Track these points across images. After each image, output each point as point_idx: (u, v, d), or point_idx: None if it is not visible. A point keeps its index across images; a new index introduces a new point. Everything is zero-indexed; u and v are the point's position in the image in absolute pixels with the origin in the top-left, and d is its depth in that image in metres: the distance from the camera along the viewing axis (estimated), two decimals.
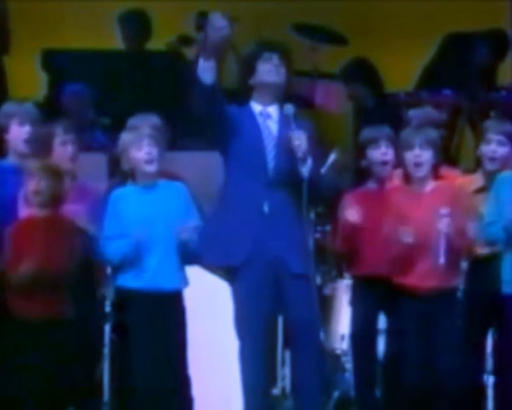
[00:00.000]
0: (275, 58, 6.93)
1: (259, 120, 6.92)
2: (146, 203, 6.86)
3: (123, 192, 6.79)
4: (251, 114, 6.93)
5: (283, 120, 6.83)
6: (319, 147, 7.04)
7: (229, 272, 6.89)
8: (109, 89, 8.99)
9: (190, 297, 6.96)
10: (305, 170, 6.70)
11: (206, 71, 6.67)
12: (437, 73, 10.23)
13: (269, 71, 6.90)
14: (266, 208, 6.78)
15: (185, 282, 6.77)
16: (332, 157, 7.97)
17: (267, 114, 6.89)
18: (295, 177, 6.72)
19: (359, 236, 7.32)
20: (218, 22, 6.62)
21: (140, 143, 6.74)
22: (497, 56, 10.32)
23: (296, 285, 6.86)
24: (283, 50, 7.06)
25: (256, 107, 6.87)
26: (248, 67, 6.97)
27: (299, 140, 6.62)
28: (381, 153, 7.05)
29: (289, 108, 6.71)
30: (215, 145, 7.23)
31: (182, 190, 6.84)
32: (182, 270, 6.84)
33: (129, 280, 6.79)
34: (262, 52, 6.97)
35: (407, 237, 6.84)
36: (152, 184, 6.75)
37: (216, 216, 6.89)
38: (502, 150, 7.08)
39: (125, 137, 6.90)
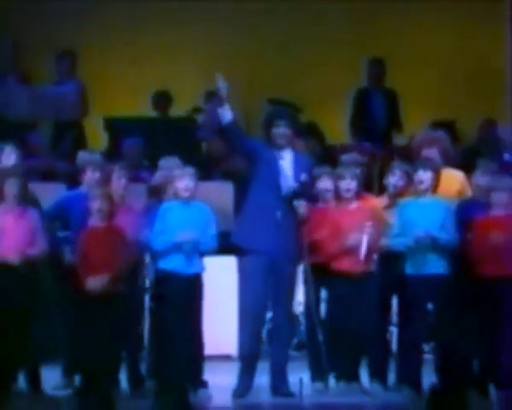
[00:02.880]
0: (282, 125, 6.74)
1: (277, 157, 6.78)
2: (182, 214, 6.77)
3: (169, 205, 6.82)
4: (275, 156, 6.74)
5: (295, 164, 6.76)
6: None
7: (249, 252, 6.71)
8: (147, 142, 9.07)
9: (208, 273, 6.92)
10: (302, 209, 6.74)
11: (224, 113, 6.67)
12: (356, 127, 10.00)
13: (278, 136, 6.73)
14: (278, 215, 6.67)
15: (202, 268, 6.81)
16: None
17: (281, 158, 6.74)
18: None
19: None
20: (221, 84, 6.73)
21: (182, 178, 6.77)
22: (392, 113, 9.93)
23: (285, 269, 6.72)
24: (289, 116, 6.85)
25: (276, 151, 6.76)
26: (266, 129, 6.79)
27: (300, 207, 6.70)
28: (323, 184, 7.03)
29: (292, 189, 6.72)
30: (244, 170, 7.13)
31: (204, 209, 6.87)
32: (200, 260, 6.80)
33: (165, 264, 6.79)
34: (273, 120, 6.78)
35: (351, 240, 6.85)
36: (187, 202, 6.78)
37: (243, 216, 6.84)
38: (401, 182, 7.00)
39: (173, 172, 6.87)
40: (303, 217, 6.66)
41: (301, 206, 6.65)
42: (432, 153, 7.16)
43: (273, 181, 6.67)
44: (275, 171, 6.67)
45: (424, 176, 6.80)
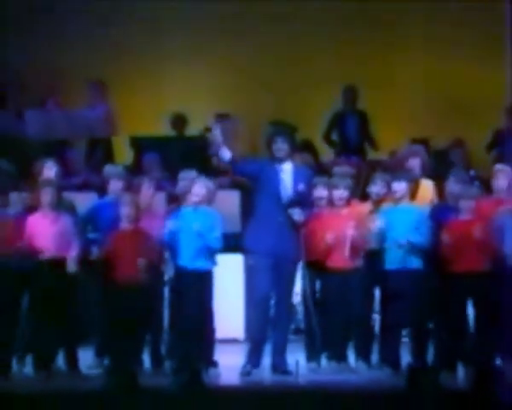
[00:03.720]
0: (279, 141, 6.82)
1: (278, 172, 6.83)
2: (197, 217, 6.83)
3: (184, 210, 6.93)
4: (276, 170, 6.82)
5: (295, 176, 6.81)
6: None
7: (255, 253, 6.80)
8: (166, 157, 9.09)
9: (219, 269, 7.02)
10: (299, 217, 6.79)
11: (223, 154, 6.82)
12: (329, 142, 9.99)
13: (277, 150, 6.82)
14: (279, 221, 6.74)
15: (213, 264, 6.89)
16: None
17: (281, 170, 6.82)
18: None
19: None
20: (215, 132, 6.81)
21: (194, 186, 6.91)
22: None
23: (286, 266, 6.78)
24: (285, 133, 6.90)
25: (277, 164, 6.84)
26: (268, 145, 6.89)
27: (297, 215, 6.75)
28: (318, 192, 7.08)
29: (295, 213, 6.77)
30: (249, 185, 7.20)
31: (216, 214, 6.95)
32: (211, 258, 6.90)
33: (182, 262, 6.91)
34: (273, 137, 6.88)
35: (330, 239, 6.92)
36: (197, 208, 6.88)
37: (251, 222, 6.89)
38: (382, 190, 7.09)
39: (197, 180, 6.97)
40: (299, 222, 6.74)
41: (296, 213, 6.73)
42: (415, 163, 7.25)
43: (274, 192, 6.76)
44: (275, 183, 6.76)
45: (398, 186, 6.90)
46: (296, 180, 6.81)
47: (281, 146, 6.78)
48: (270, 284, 6.74)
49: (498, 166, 7.34)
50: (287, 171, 6.82)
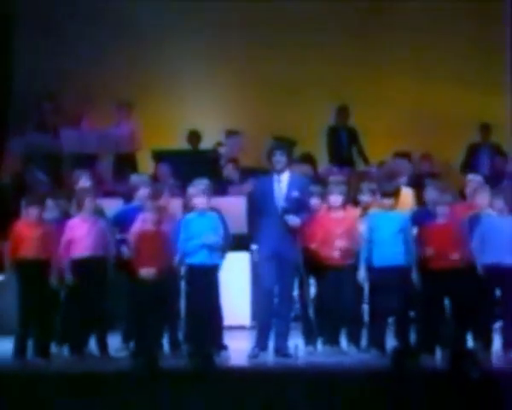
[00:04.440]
0: (278, 154, 6.88)
1: (275, 182, 6.88)
2: (201, 222, 6.93)
3: (190, 216, 7.02)
4: (271, 181, 6.90)
5: (290, 184, 6.86)
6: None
7: (260, 252, 6.87)
8: (182, 168, 8.91)
9: (227, 264, 7.10)
10: (294, 223, 6.85)
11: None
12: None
13: (276, 162, 6.89)
14: (278, 226, 6.78)
15: (220, 260, 6.95)
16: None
17: (279, 180, 6.89)
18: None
19: None
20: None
21: (198, 194, 6.99)
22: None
23: (287, 264, 6.82)
24: (283, 147, 6.97)
25: (275, 174, 6.91)
26: (268, 158, 6.95)
27: (292, 221, 6.82)
28: (314, 200, 7.16)
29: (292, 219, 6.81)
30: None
31: (216, 217, 7.03)
32: (218, 254, 6.96)
33: (193, 259, 6.98)
34: (272, 150, 6.94)
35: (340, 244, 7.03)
36: (203, 213, 6.97)
37: (257, 228, 6.91)
38: (369, 198, 7.23)
39: (192, 190, 7.03)
40: (294, 226, 6.82)
41: (291, 219, 6.81)
42: (403, 179, 7.65)
43: (270, 202, 6.85)
44: (270, 194, 6.84)
45: (388, 201, 6.92)
46: (291, 188, 6.88)
47: (279, 158, 6.86)
48: (273, 279, 6.80)
49: (470, 176, 7.54)
50: (284, 180, 6.90)
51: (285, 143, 7.15)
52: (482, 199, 6.95)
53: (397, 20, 9.94)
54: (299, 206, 6.87)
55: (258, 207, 6.89)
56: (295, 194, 6.87)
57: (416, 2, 9.95)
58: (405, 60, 9.94)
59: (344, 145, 9.81)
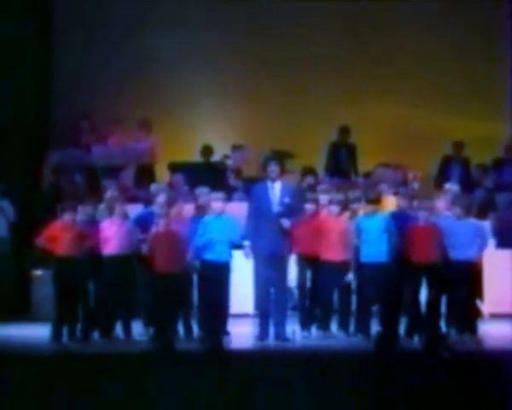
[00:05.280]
0: (272, 165, 6.98)
1: (270, 189, 6.96)
2: (217, 223, 7.01)
3: (208, 218, 7.10)
4: (266, 187, 6.96)
5: (282, 191, 6.92)
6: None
7: (258, 251, 6.91)
8: (196, 178, 8.86)
9: (234, 260, 7.16)
10: (287, 225, 6.94)
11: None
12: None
13: (271, 171, 6.98)
14: (272, 227, 6.83)
15: (230, 257, 7.06)
16: None
17: (273, 187, 6.96)
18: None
19: None
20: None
21: (215, 201, 7.12)
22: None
23: (280, 260, 6.88)
24: (277, 159, 7.05)
25: (269, 182, 6.98)
26: (263, 168, 7.05)
27: (284, 223, 6.90)
28: (308, 205, 7.26)
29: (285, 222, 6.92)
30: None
31: (231, 218, 7.15)
32: (229, 251, 7.06)
33: (208, 255, 7.05)
34: (267, 162, 7.04)
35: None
36: (220, 215, 7.07)
37: (255, 228, 6.99)
38: (357, 206, 7.34)
39: (213, 196, 7.08)
40: (287, 228, 6.89)
41: (283, 222, 6.90)
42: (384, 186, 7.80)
43: (265, 208, 6.96)
44: (266, 199, 6.96)
45: (371, 205, 7.06)
46: (283, 195, 6.98)
47: (273, 168, 6.95)
48: (268, 274, 6.85)
49: (447, 186, 7.67)
50: (277, 187, 6.99)
51: (278, 155, 7.24)
52: (441, 204, 7.07)
53: (384, 56, 10.01)
54: (290, 210, 6.97)
55: (255, 210, 6.97)
56: (287, 200, 6.96)
57: (400, 39, 10.02)
58: (389, 89, 10.03)
59: (342, 159, 9.89)
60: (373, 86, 10.08)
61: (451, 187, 7.62)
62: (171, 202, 7.18)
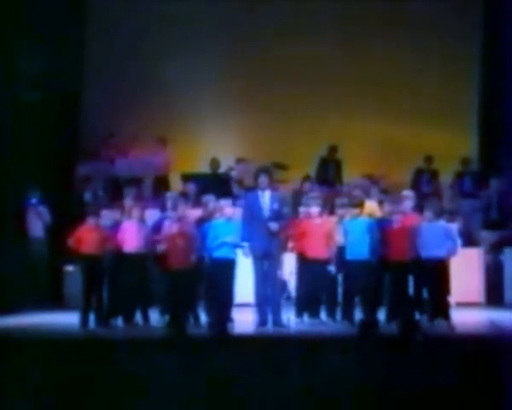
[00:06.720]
0: (263, 176, 6.98)
1: (260, 197, 6.93)
2: (228, 225, 6.97)
3: (218, 221, 7.06)
4: (257, 196, 6.94)
5: (271, 199, 6.90)
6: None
7: (253, 251, 6.89)
8: (204, 187, 8.62)
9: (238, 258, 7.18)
10: (275, 228, 6.93)
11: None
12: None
13: (261, 182, 6.98)
14: (264, 229, 6.81)
15: (236, 255, 7.05)
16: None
17: (263, 195, 6.93)
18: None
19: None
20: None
21: (225, 207, 7.10)
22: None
23: (271, 258, 6.86)
24: (267, 171, 7.02)
25: (260, 191, 6.94)
26: (255, 178, 7.00)
27: (273, 227, 6.88)
28: (303, 209, 7.35)
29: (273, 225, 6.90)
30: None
31: (238, 223, 7.08)
32: (234, 250, 7.04)
33: (218, 253, 7.02)
34: (258, 174, 7.02)
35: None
36: (230, 219, 7.06)
37: (249, 231, 6.99)
38: (342, 211, 7.26)
39: (224, 202, 7.03)
40: (275, 230, 6.86)
41: (272, 226, 6.88)
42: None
43: (257, 211, 6.94)
44: (257, 205, 6.94)
45: (353, 210, 7.08)
46: (272, 202, 6.97)
47: (263, 179, 6.94)
48: (263, 271, 6.82)
49: (405, 192, 7.46)
50: (266, 196, 6.97)
51: (267, 168, 7.23)
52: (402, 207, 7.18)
53: (368, 74, 9.94)
54: (278, 215, 6.97)
55: (248, 215, 6.96)
56: (276, 206, 6.97)
57: (385, 62, 9.97)
58: (372, 108, 10.00)
59: (330, 173, 9.90)
60: (358, 106, 9.97)
61: (408, 193, 7.57)
62: (175, 208, 7.06)
